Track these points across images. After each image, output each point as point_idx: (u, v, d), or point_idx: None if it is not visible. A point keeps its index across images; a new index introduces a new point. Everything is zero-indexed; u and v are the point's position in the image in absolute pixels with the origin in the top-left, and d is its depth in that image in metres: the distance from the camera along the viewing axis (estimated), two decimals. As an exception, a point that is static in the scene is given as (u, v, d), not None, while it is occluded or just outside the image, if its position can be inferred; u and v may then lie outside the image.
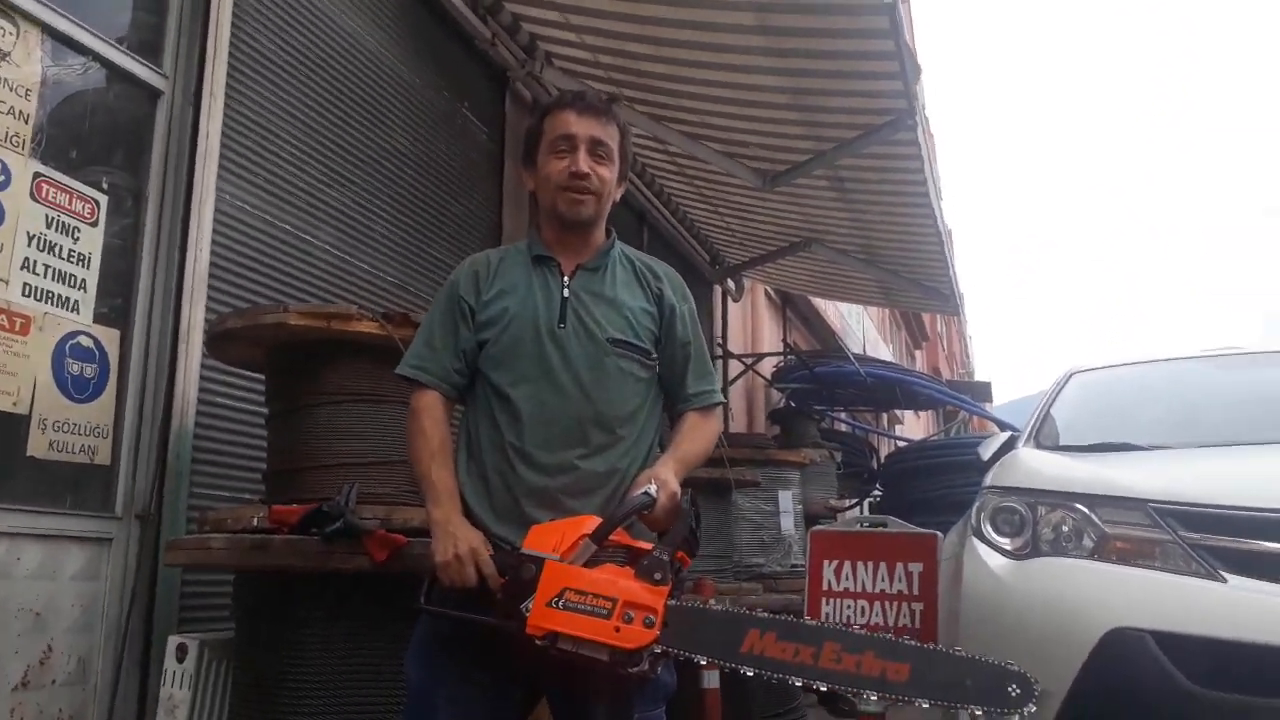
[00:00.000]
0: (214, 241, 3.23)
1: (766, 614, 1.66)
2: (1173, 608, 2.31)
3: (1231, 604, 2.26)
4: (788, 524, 5.72)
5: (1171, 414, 3.70)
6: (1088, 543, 2.56)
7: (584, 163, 1.96)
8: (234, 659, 2.58)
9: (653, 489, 1.75)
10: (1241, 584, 2.28)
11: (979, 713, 1.56)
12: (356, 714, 2.35)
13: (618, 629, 1.57)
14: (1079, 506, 2.60)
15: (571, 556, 1.65)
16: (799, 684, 1.59)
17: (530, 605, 1.61)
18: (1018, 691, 1.51)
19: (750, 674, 1.60)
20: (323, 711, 2.33)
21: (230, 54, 3.39)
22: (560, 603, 1.60)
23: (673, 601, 1.62)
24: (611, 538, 1.69)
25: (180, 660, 2.60)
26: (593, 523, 1.70)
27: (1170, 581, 2.36)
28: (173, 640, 2.65)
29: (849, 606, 3.66)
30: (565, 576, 1.62)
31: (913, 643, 1.61)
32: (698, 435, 1.99)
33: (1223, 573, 2.32)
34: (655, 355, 1.99)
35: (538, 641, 1.61)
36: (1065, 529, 2.61)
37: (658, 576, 1.61)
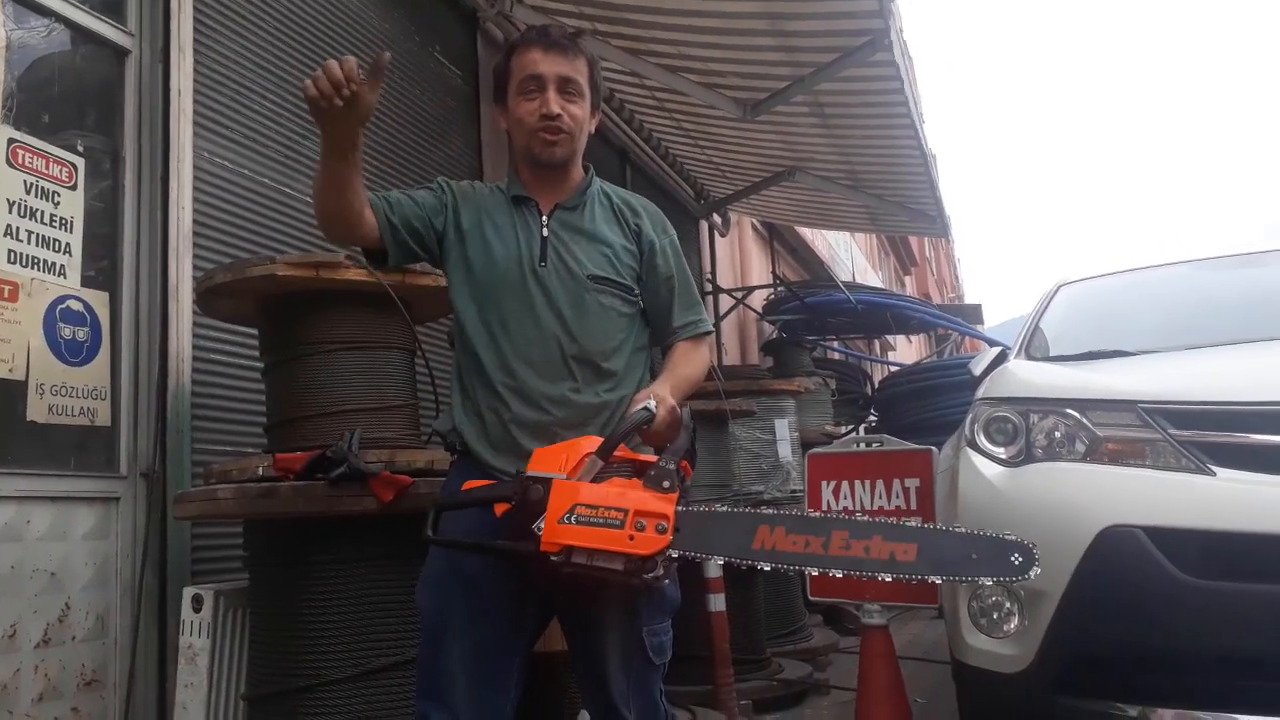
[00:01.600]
0: (195, 198, 3.22)
1: (774, 510, 1.71)
2: (1164, 503, 2.36)
3: (1220, 496, 2.31)
4: (785, 451, 5.79)
5: (1159, 319, 3.74)
6: (1080, 446, 2.60)
7: (554, 103, 1.95)
8: (250, 606, 2.63)
9: (652, 404, 1.78)
10: (1230, 476, 2.33)
11: (988, 582, 1.61)
12: (374, 650, 2.41)
13: (631, 537, 1.60)
14: (1070, 411, 2.64)
15: (579, 474, 1.69)
16: (814, 573, 1.65)
17: (542, 525, 1.64)
18: (1019, 559, 1.57)
19: (766, 568, 1.65)
20: (341, 650, 2.39)
21: (195, 8, 3.34)
22: (572, 518, 1.63)
23: (682, 507, 1.65)
24: (616, 454, 1.73)
25: (197, 610, 2.65)
26: (594, 442, 1.73)
27: (1161, 478, 2.41)
28: (188, 591, 2.70)
29: (849, 525, 3.73)
30: (575, 493, 1.65)
31: (916, 523, 1.65)
32: (690, 360, 2.02)
33: (1212, 466, 2.36)
34: (637, 291, 2.02)
35: (553, 558, 1.64)
36: (1058, 434, 2.66)
37: (666, 484, 1.65)
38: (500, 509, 1.73)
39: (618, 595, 1.88)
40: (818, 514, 1.75)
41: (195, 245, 3.18)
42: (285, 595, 2.46)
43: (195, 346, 3.13)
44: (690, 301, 2.08)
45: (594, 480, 1.68)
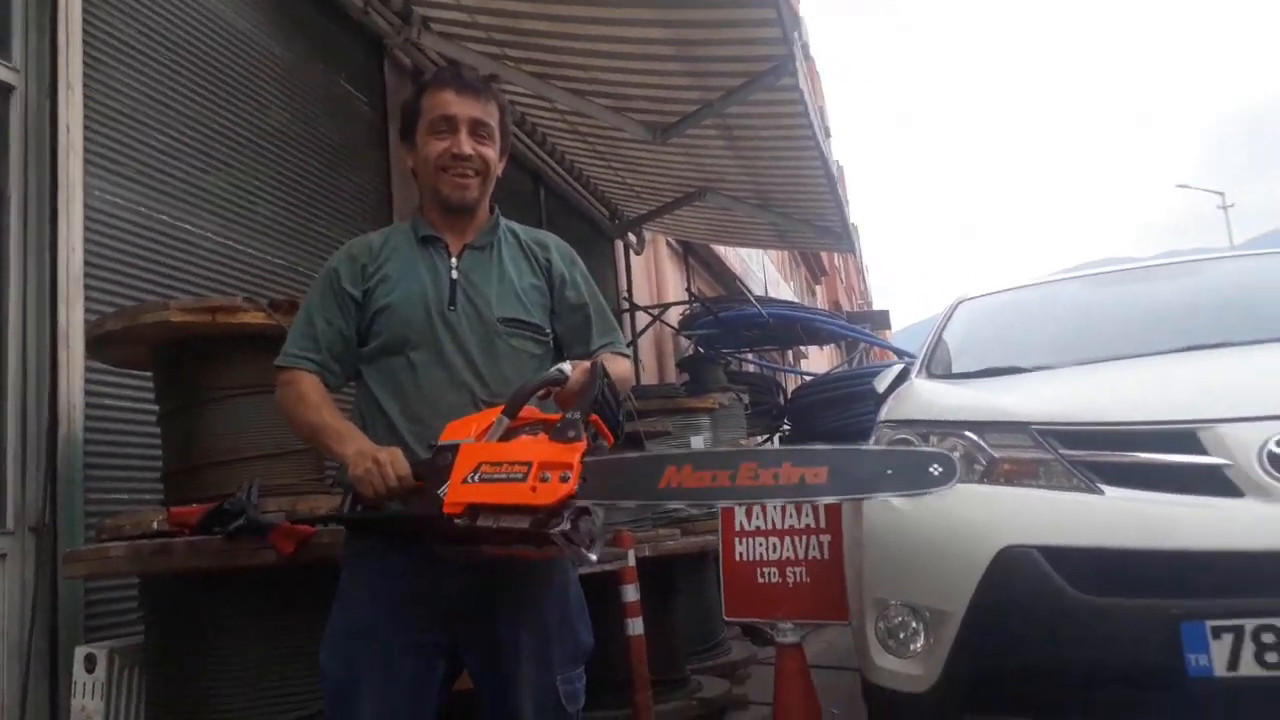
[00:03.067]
0: (86, 239, 3.05)
1: (683, 452, 1.64)
2: (1056, 522, 2.39)
3: (1109, 514, 2.35)
4: (701, 468, 5.79)
5: (1054, 334, 3.83)
6: (978, 467, 2.63)
7: (466, 144, 1.92)
8: (146, 664, 2.50)
9: (566, 366, 1.73)
10: (1118, 494, 2.37)
11: (906, 496, 1.49)
12: (278, 707, 2.30)
13: (534, 489, 1.54)
14: (968, 434, 2.67)
15: (486, 436, 1.64)
16: (722, 507, 1.55)
17: (445, 489, 1.59)
18: (940, 470, 1.46)
19: (676, 506, 1.59)
20: (242, 708, 2.28)
21: (85, 41, 3.18)
22: (476, 476, 1.58)
23: (588, 458, 1.59)
24: (527, 416, 1.68)
25: (90, 670, 2.50)
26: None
27: (1053, 498, 2.44)
28: (80, 651, 2.54)
29: (760, 544, 3.73)
30: (479, 453, 1.61)
31: (828, 446, 1.54)
32: (612, 363, 1.92)
33: (1101, 485, 2.40)
34: (549, 331, 1.98)
35: (457, 521, 1.58)
36: (956, 456, 2.68)
37: (571, 434, 1.59)
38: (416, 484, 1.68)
39: (528, 644, 1.83)
40: (729, 449, 1.69)
41: (87, 288, 3.02)
42: (183, 652, 2.33)
43: (88, 393, 2.96)
44: (608, 326, 2.05)
45: (503, 439, 1.64)
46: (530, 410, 1.70)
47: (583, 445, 1.59)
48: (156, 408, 2.76)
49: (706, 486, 1.55)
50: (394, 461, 1.69)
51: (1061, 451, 2.50)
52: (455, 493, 1.58)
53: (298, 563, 2.23)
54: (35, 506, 2.79)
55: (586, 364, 1.74)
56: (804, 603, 3.61)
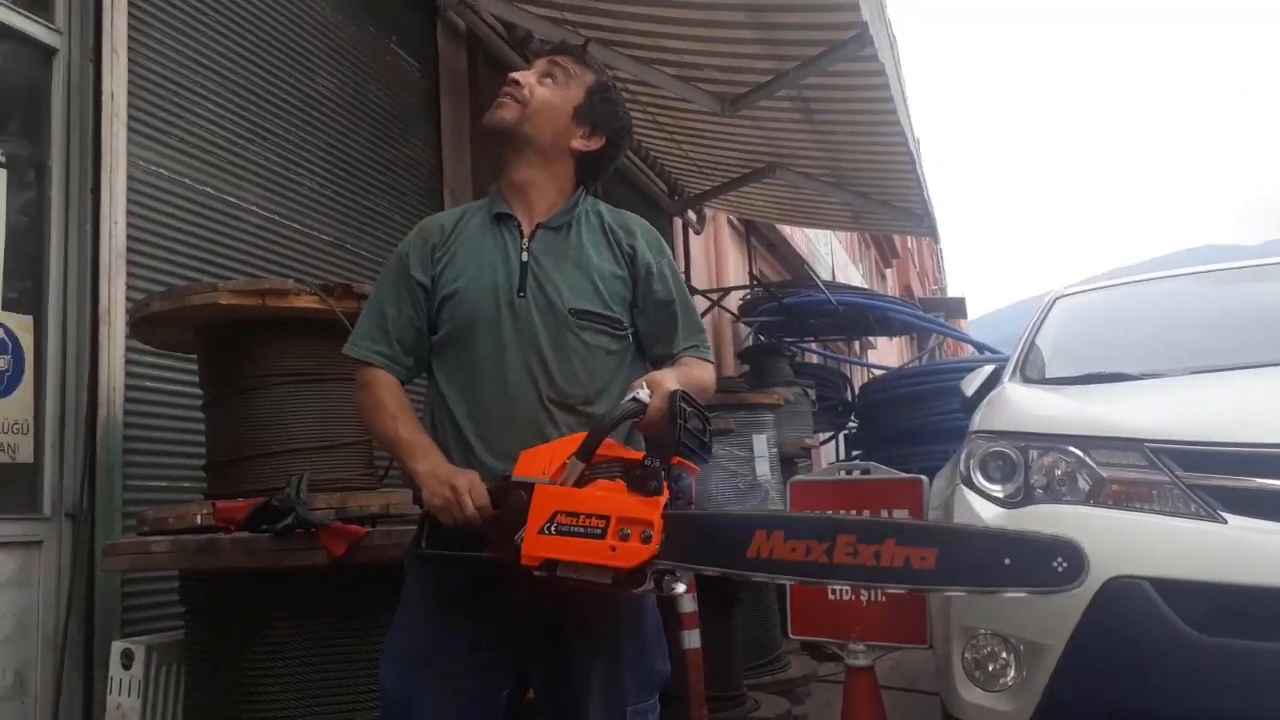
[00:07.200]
0: (130, 212, 3.11)
1: (773, 512, 1.62)
2: (1171, 553, 2.34)
3: (1231, 545, 2.30)
4: (763, 469, 5.76)
5: (1163, 337, 3.73)
6: (1083, 486, 2.58)
7: (521, 74, 1.95)
8: (186, 663, 2.55)
9: (644, 394, 1.67)
10: (1242, 524, 2.32)
11: (1021, 595, 1.44)
12: (324, 716, 2.33)
13: (613, 548, 1.53)
14: (1072, 449, 2.62)
15: (561, 478, 1.62)
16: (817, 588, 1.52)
17: (522, 536, 1.59)
18: (1065, 566, 1.41)
19: (762, 579, 1.57)
20: (287, 715, 2.31)
21: (130, 1, 3.22)
22: (552, 528, 1.57)
23: (671, 511, 1.57)
24: (602, 453, 1.65)
25: (126, 667, 2.56)
26: (580, 440, 1.65)
27: (1169, 525, 2.39)
28: (117, 646, 2.60)
29: (833, 558, 3.69)
30: (555, 499, 1.59)
31: (939, 522, 1.51)
32: (695, 370, 1.90)
33: (1222, 513, 2.35)
34: (627, 324, 1.93)
35: (536, 572, 1.58)
36: (1058, 473, 2.63)
37: (652, 485, 1.57)
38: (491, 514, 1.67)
39: (600, 671, 1.82)
40: (825, 514, 1.65)
41: (130, 264, 3.07)
42: (226, 653, 2.37)
43: (129, 375, 3.02)
44: (695, 326, 1.99)
45: (579, 483, 1.61)
46: (608, 444, 1.67)
47: (664, 499, 1.57)
48: (200, 393, 2.81)
49: (799, 560, 1.52)
50: (473, 490, 1.68)
51: (1179, 473, 2.44)
52: (532, 545, 1.58)
53: (348, 564, 2.25)
54: (72, 492, 2.86)
55: (666, 387, 1.68)
56: (879, 624, 3.57)
